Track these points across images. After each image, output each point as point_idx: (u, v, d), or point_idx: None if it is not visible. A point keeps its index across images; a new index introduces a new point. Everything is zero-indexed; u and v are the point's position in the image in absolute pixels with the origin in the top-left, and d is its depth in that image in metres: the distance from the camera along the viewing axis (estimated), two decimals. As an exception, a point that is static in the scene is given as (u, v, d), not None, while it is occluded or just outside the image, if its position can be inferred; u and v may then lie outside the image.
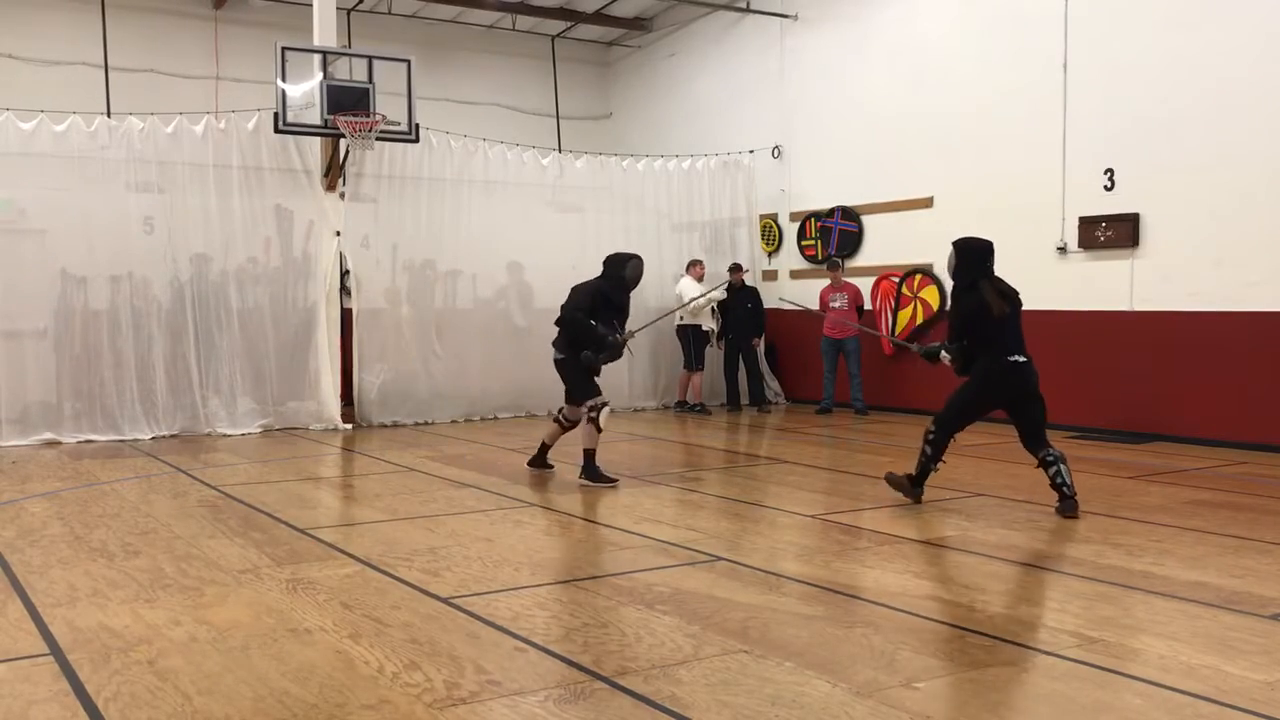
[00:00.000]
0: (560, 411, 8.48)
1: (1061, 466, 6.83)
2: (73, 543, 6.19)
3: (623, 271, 8.13)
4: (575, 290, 8.28)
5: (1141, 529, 6.45)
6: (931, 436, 7.08)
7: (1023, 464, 9.05)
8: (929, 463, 7.11)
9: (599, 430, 8.06)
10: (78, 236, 10.81)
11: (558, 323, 8.28)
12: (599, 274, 8.31)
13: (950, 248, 7.16)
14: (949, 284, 7.53)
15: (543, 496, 7.64)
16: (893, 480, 7.40)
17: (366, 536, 6.38)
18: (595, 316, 8.03)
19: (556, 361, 8.28)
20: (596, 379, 8.25)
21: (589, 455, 8.10)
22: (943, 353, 7.16)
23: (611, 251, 8.71)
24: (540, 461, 8.70)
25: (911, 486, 7.26)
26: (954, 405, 7.17)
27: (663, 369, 13.98)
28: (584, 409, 8.07)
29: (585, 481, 8.07)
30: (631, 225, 13.89)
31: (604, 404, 8.07)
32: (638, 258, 8.28)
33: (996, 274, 7.06)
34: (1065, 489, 6.81)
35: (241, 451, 10.12)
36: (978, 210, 11.81)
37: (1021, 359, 6.92)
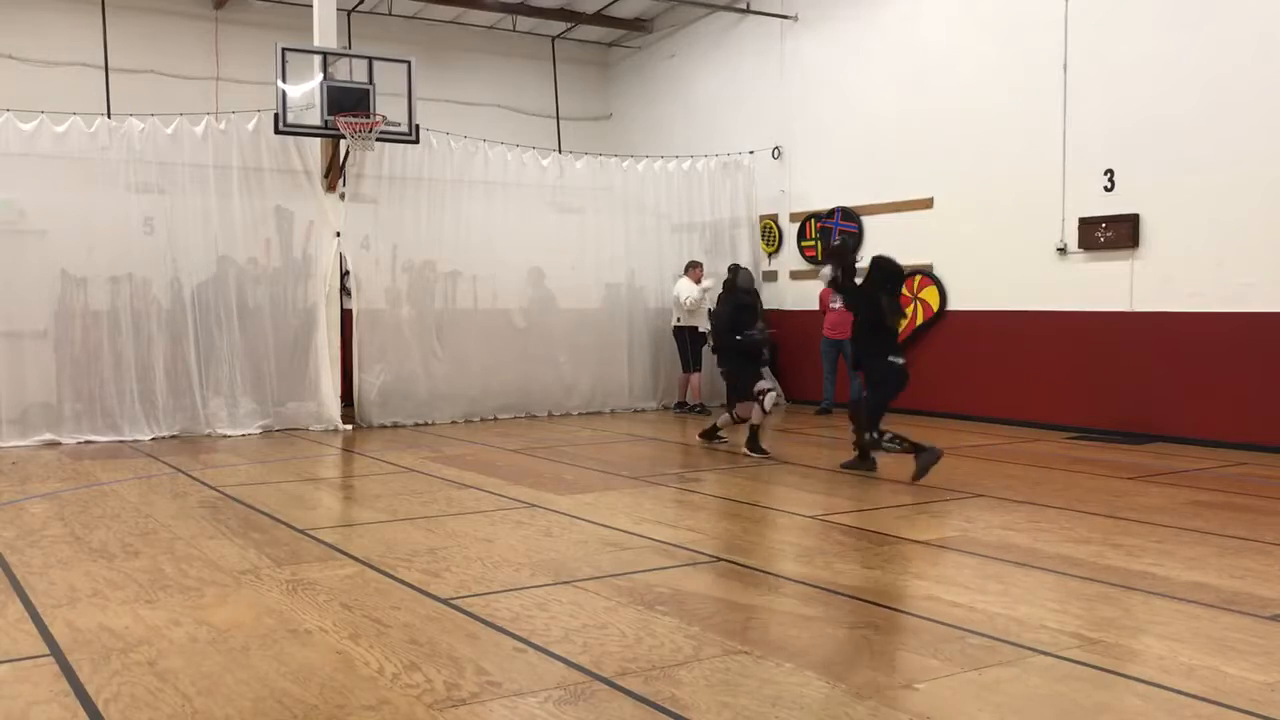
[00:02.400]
0: (733, 410, 10.06)
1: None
2: (73, 543, 6.19)
3: (737, 282, 10.18)
4: (717, 314, 10.56)
5: (1141, 530, 6.45)
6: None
7: (1023, 464, 9.06)
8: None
9: (765, 412, 9.71)
10: (78, 237, 10.81)
11: (714, 350, 10.58)
12: (724, 293, 10.36)
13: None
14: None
15: (543, 496, 7.64)
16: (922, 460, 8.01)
17: (366, 537, 6.38)
18: (739, 325, 9.84)
19: (723, 373, 10.22)
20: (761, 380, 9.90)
21: (754, 431, 9.68)
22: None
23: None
24: (712, 434, 10.27)
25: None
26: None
27: (663, 370, 13.99)
28: (754, 395, 9.69)
29: (747, 452, 9.60)
30: (632, 226, 13.91)
31: (769, 390, 9.73)
32: (741, 268, 10.44)
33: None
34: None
35: (241, 452, 10.12)
36: (978, 210, 11.84)
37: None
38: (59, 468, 9.13)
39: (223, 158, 11.41)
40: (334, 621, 4.64)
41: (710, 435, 10.31)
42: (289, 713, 3.62)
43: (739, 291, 10.11)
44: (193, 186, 11.29)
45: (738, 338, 9.74)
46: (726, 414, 10.18)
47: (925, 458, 7.92)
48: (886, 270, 8.51)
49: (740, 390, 9.85)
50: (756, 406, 9.64)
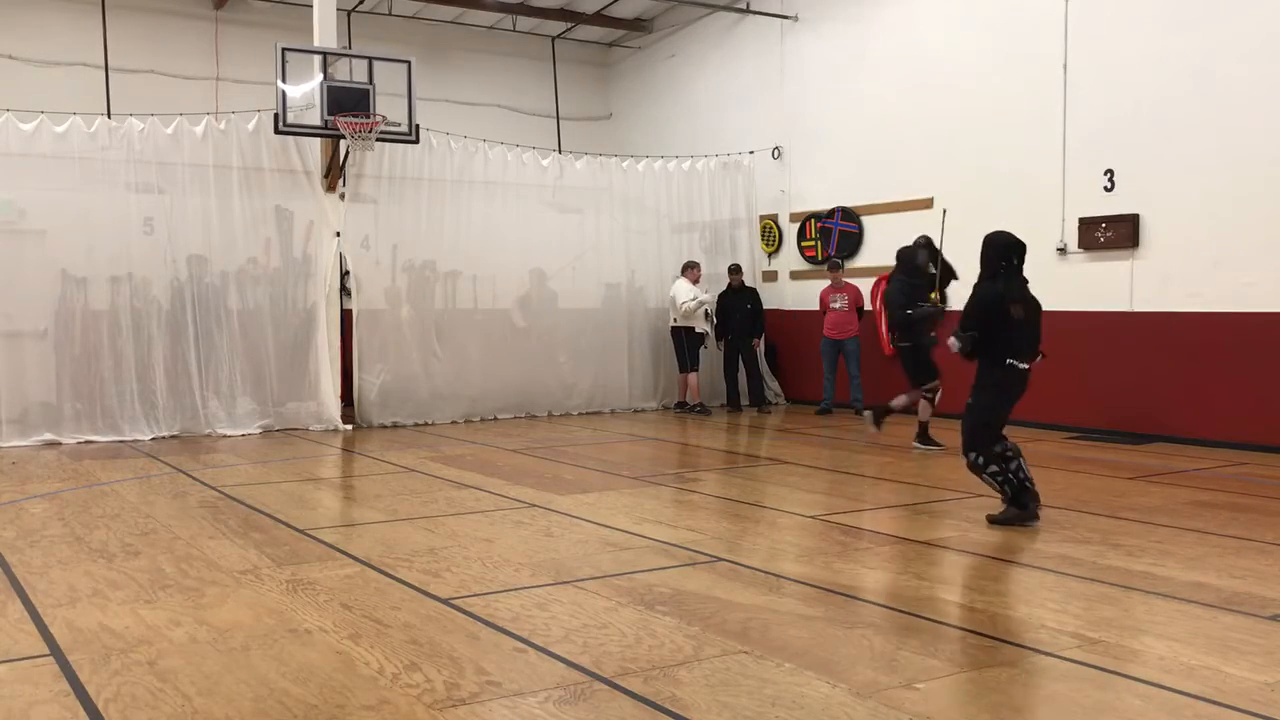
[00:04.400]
0: (917, 393, 10.04)
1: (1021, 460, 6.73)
2: (73, 543, 6.20)
3: (915, 260, 9.96)
4: (888, 293, 10.35)
5: (1141, 530, 6.45)
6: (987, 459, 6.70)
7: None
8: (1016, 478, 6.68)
9: (933, 406, 9.89)
10: (78, 237, 10.82)
11: (890, 328, 10.46)
12: (898, 268, 10.17)
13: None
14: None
15: (543, 496, 7.64)
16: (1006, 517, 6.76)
17: (366, 537, 6.39)
18: (910, 300, 9.76)
19: (901, 350, 10.06)
20: (928, 370, 9.93)
21: (923, 425, 9.92)
22: (952, 338, 6.91)
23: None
24: (927, 438, 9.96)
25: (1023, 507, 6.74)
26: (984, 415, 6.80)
27: (662, 370, 13.99)
28: (922, 389, 9.85)
29: (917, 445, 9.85)
30: (632, 226, 13.91)
31: (938, 386, 9.84)
32: (917, 243, 10.05)
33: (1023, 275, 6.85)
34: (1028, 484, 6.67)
35: (241, 452, 10.12)
36: (978, 210, 11.81)
37: (1028, 366, 6.71)
38: (59, 468, 9.13)
39: (223, 158, 11.41)
40: (334, 621, 4.64)
41: (881, 415, 10.33)
42: (289, 713, 3.62)
43: (912, 268, 9.96)
44: (193, 186, 11.30)
45: (908, 312, 9.70)
46: (902, 396, 10.20)
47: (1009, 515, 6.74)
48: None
49: (910, 375, 9.95)
50: (924, 401, 9.76)
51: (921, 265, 9.91)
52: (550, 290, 13.34)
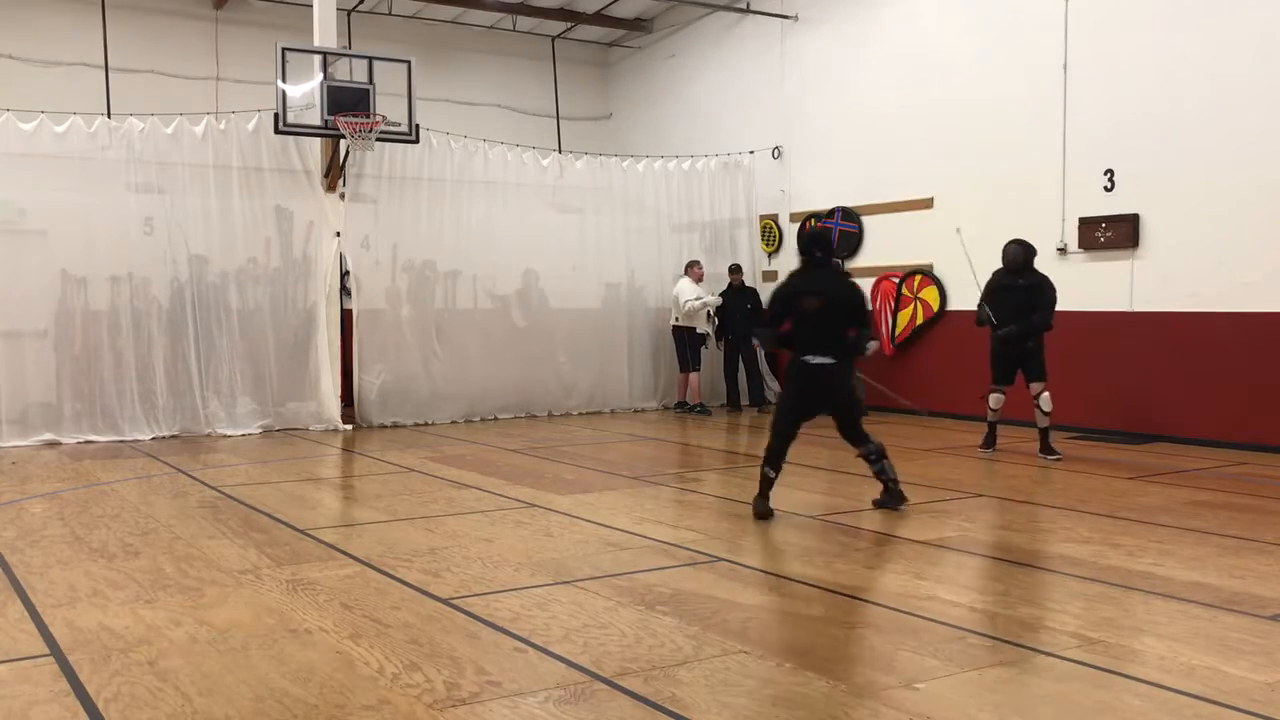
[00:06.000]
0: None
1: (885, 462, 6.98)
2: (73, 543, 6.19)
3: (1004, 260, 9.54)
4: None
5: (1141, 529, 6.45)
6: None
7: (1022, 464, 9.07)
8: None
9: (1044, 413, 9.27)
10: (78, 237, 10.81)
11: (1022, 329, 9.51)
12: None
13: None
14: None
15: (543, 496, 7.64)
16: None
17: (366, 537, 6.38)
18: (992, 303, 9.44)
19: (1030, 348, 9.32)
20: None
21: (1044, 432, 9.31)
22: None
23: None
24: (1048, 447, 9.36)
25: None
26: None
27: (662, 370, 13.99)
28: (1031, 396, 9.33)
29: (1040, 455, 9.27)
30: (632, 226, 13.91)
31: (1043, 389, 9.29)
32: (1011, 243, 9.52)
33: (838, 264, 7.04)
34: (890, 483, 6.98)
35: (241, 452, 10.12)
36: (978, 210, 11.82)
37: (822, 360, 6.74)
38: (59, 468, 9.13)
39: (223, 157, 11.41)
40: (334, 621, 4.64)
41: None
42: (289, 713, 3.62)
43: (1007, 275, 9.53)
44: (193, 186, 11.30)
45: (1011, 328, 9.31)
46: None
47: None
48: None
49: (1039, 372, 9.37)
50: (1036, 409, 9.29)
51: (1005, 262, 9.53)
52: (540, 290, 13.30)
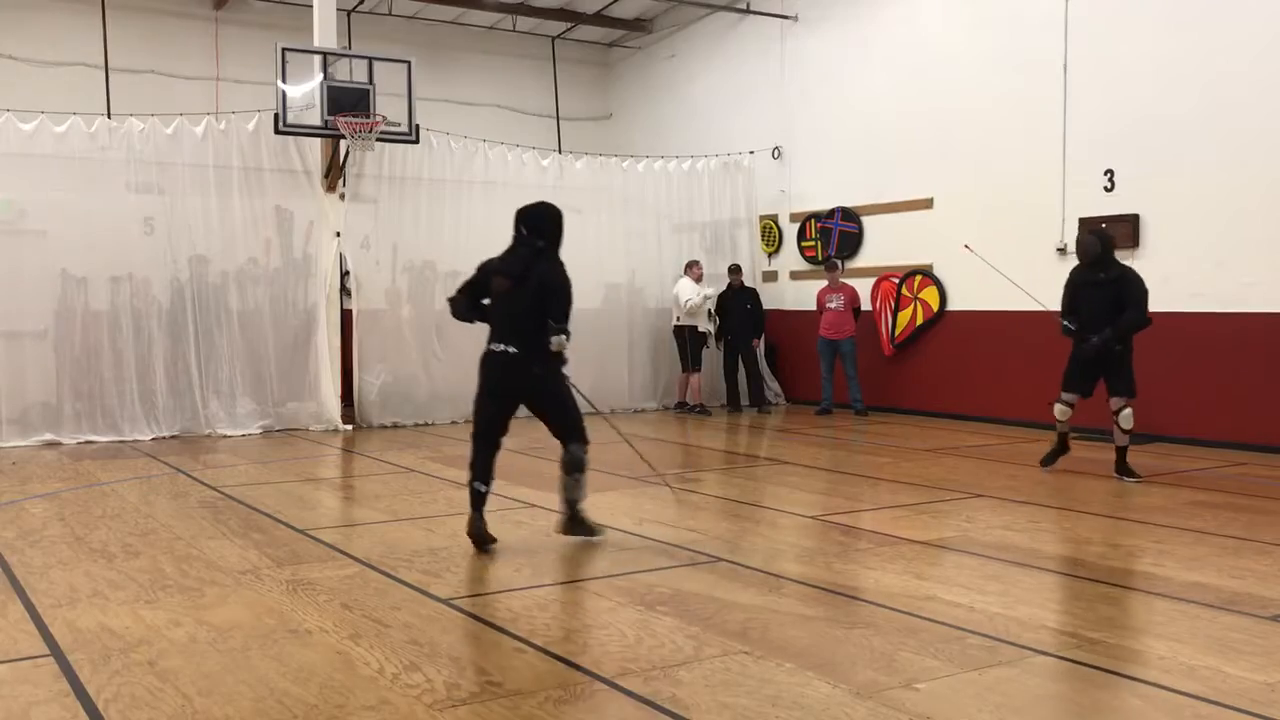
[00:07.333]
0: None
1: (573, 478, 5.97)
2: (73, 543, 6.19)
3: (1079, 254, 8.51)
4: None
5: (1141, 530, 6.45)
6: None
7: (1022, 464, 9.06)
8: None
9: (1124, 431, 8.21)
10: (78, 237, 10.81)
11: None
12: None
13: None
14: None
15: (543, 496, 7.64)
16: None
17: (367, 537, 6.38)
18: (1073, 304, 8.37)
19: (1117, 354, 8.16)
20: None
21: (1120, 450, 8.26)
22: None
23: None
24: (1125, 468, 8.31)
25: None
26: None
27: (663, 371, 13.99)
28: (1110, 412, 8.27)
29: (1117, 475, 8.18)
30: (632, 226, 13.91)
31: (1126, 404, 8.20)
32: (1087, 234, 8.58)
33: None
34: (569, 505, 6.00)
35: (242, 452, 10.12)
36: (978, 210, 11.83)
37: (505, 348, 6.02)
38: (59, 468, 9.13)
39: (223, 158, 11.41)
40: (334, 621, 4.64)
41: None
42: (289, 713, 3.62)
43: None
44: (193, 186, 11.29)
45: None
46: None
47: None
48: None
49: (1128, 384, 8.23)
50: (1115, 426, 8.20)
51: (1079, 255, 8.54)
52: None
